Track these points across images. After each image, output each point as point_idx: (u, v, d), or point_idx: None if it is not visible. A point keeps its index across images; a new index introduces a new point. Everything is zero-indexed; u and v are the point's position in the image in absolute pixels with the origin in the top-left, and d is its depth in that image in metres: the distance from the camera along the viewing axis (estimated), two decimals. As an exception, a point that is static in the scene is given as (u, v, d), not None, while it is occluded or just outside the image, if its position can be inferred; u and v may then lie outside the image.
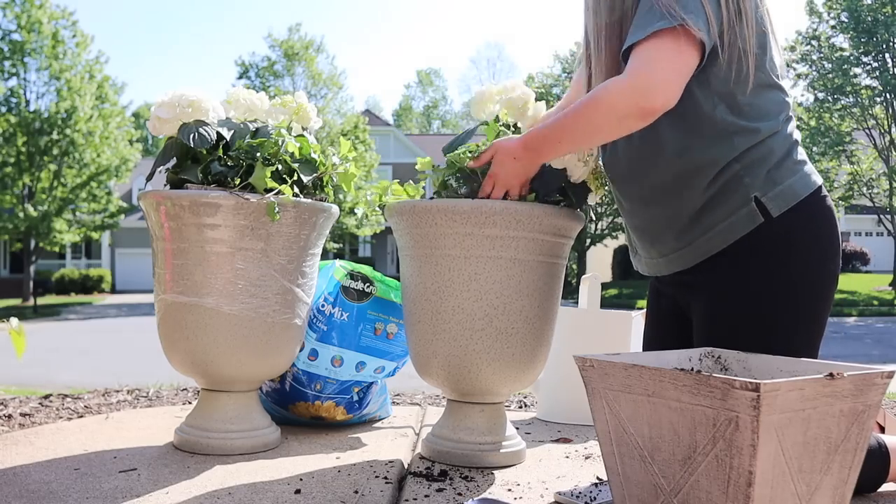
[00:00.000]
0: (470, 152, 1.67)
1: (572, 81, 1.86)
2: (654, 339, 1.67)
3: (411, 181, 1.84)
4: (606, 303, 16.68)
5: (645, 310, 2.21)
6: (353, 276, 2.09)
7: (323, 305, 2.03)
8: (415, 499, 1.48)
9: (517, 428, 2.01)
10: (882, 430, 1.69)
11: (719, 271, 1.46)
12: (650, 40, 1.33)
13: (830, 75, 19.67)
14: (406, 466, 1.74)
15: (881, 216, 21.63)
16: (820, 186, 1.47)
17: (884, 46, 19.47)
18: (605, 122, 1.38)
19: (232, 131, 1.76)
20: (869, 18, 19.19)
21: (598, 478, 1.66)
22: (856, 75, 20.02)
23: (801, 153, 1.50)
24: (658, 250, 1.56)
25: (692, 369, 1.16)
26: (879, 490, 1.56)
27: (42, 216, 20.51)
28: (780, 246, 1.43)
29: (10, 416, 2.29)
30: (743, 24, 1.39)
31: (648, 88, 1.32)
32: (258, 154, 1.73)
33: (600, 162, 1.71)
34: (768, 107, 1.45)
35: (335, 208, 1.85)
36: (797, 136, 1.50)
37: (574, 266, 23.39)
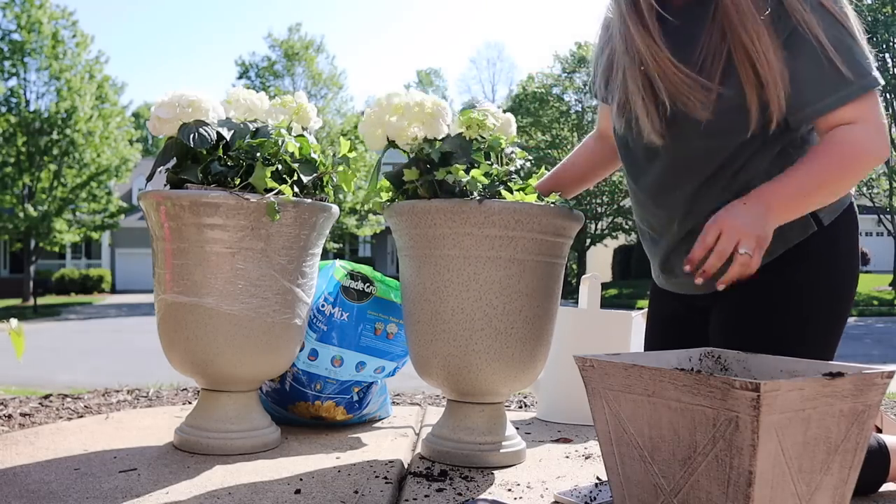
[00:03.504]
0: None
1: (599, 117, 1.82)
2: (656, 344, 1.68)
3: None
4: (606, 303, 16.68)
5: (645, 310, 2.21)
6: (353, 276, 2.09)
7: (323, 305, 2.03)
8: (415, 499, 1.48)
9: (517, 428, 2.01)
10: (879, 431, 1.69)
11: (763, 278, 1.43)
12: (870, 96, 1.35)
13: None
14: (406, 466, 1.74)
15: (881, 216, 21.63)
16: (851, 195, 1.52)
17: (884, 46, 19.47)
18: (861, 170, 1.36)
19: (232, 131, 1.76)
20: (869, 18, 19.20)
21: (598, 478, 1.66)
22: (856, 75, 20.01)
23: None
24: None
25: (692, 369, 1.16)
26: (879, 490, 1.56)
27: (42, 216, 20.52)
28: (828, 252, 1.46)
29: (10, 416, 2.29)
30: None
31: (885, 140, 1.36)
32: (258, 154, 1.73)
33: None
34: None
35: (335, 208, 1.85)
36: None
37: (574, 266, 23.40)
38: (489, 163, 1.68)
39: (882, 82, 1.37)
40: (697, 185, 1.49)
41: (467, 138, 1.70)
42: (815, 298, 1.45)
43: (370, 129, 1.74)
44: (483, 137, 1.71)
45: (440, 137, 1.70)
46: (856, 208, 1.53)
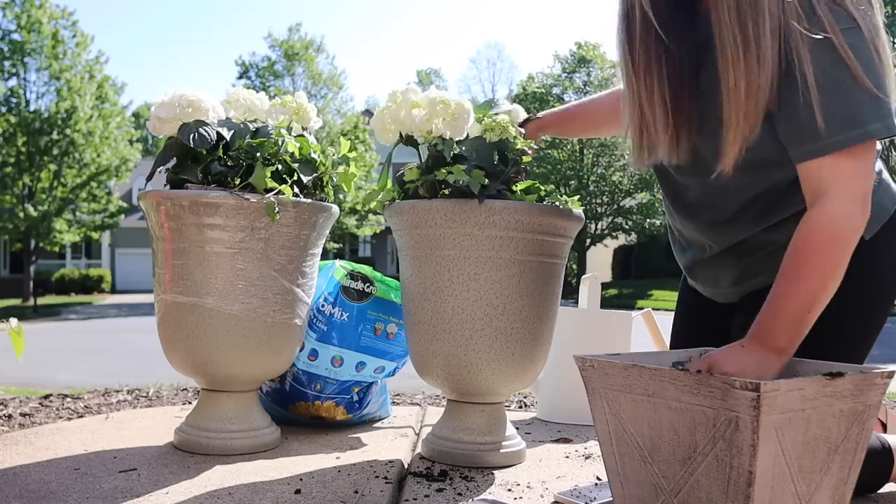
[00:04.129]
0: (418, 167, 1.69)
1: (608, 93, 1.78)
2: (680, 332, 1.67)
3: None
4: (606, 303, 16.68)
5: (646, 310, 2.21)
6: (353, 276, 2.09)
7: (323, 305, 2.03)
8: (415, 499, 1.48)
9: (517, 428, 2.01)
10: (884, 427, 1.69)
11: None
12: (849, 153, 1.17)
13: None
14: (406, 466, 1.74)
15: (881, 216, 21.60)
16: None
17: (884, 46, 19.44)
18: (840, 255, 1.19)
19: (232, 131, 1.76)
20: (869, 18, 19.17)
21: (598, 478, 1.66)
22: (856, 75, 19.99)
23: (884, 172, 1.45)
24: (732, 280, 1.51)
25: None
26: (880, 490, 1.56)
27: (42, 216, 20.52)
28: (866, 259, 1.36)
29: (10, 416, 2.29)
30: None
31: (862, 218, 1.20)
32: (258, 154, 1.73)
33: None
34: None
35: (335, 208, 1.85)
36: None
37: (574, 266, 23.39)
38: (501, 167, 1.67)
39: (889, 132, 1.17)
40: (729, 213, 1.43)
41: (488, 141, 1.67)
42: (848, 309, 1.36)
43: (383, 123, 1.73)
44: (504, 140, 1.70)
45: (459, 139, 1.69)
46: None
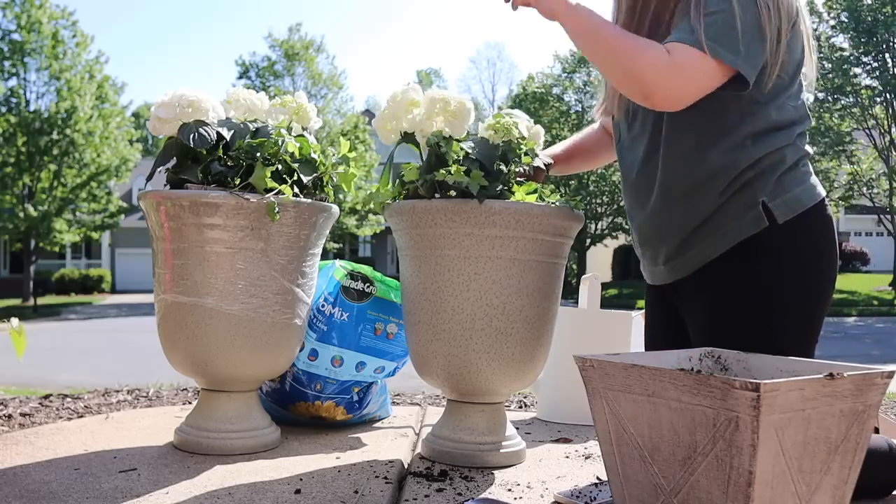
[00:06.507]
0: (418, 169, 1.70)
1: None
2: (648, 342, 1.68)
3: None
4: (606, 303, 16.68)
5: (644, 311, 2.21)
6: (353, 276, 2.09)
7: (323, 305, 2.03)
8: (415, 499, 1.48)
9: (517, 428, 2.01)
10: (877, 431, 1.69)
11: (719, 275, 1.48)
12: (700, 52, 1.34)
13: (830, 75, 19.67)
14: (406, 466, 1.74)
15: (881, 216, 21.63)
16: (823, 199, 1.50)
17: (884, 46, 19.46)
18: (618, 66, 1.37)
19: (232, 131, 1.76)
20: (869, 18, 19.19)
21: (598, 478, 1.66)
22: (856, 75, 20.02)
23: (809, 166, 1.52)
24: (664, 256, 1.56)
25: (692, 369, 1.16)
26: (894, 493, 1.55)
27: (42, 216, 20.52)
28: (783, 252, 1.44)
29: (10, 416, 2.29)
30: (781, 47, 1.40)
31: (667, 89, 1.35)
32: (258, 154, 1.73)
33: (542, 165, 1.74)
34: (790, 118, 1.48)
35: (335, 208, 1.85)
36: (808, 149, 1.53)
37: (574, 266, 23.39)
38: (505, 168, 1.67)
39: (741, 70, 1.34)
40: (654, 160, 1.53)
41: (491, 142, 1.68)
42: (768, 297, 1.44)
43: (384, 122, 1.74)
44: (508, 143, 1.70)
45: (460, 137, 1.69)
46: (828, 213, 1.50)
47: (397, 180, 1.75)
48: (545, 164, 1.78)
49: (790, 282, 1.44)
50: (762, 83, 1.41)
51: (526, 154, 1.70)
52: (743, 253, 1.46)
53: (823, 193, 1.51)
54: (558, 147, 1.91)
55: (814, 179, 1.51)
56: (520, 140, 1.69)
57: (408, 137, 1.73)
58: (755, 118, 1.45)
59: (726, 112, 1.45)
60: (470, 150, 1.66)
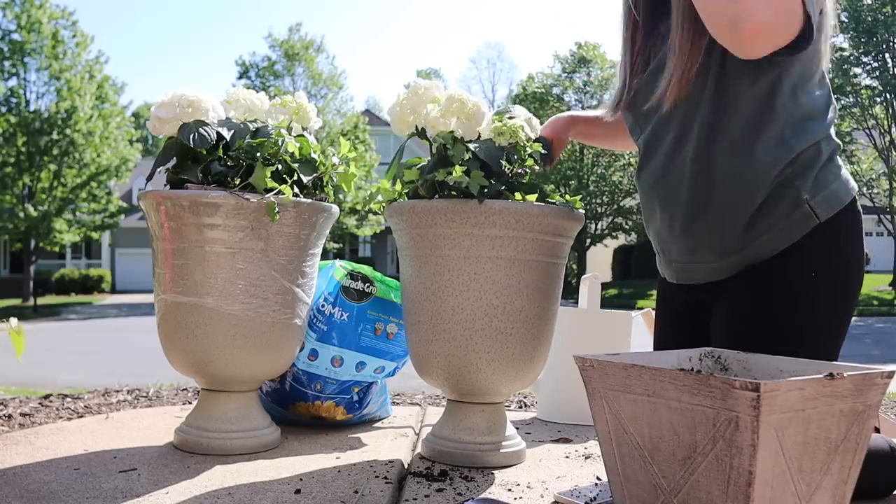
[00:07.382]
0: (418, 168, 1.69)
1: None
2: (664, 341, 1.67)
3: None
4: (606, 303, 16.69)
5: (646, 310, 2.20)
6: (353, 276, 2.09)
7: (323, 305, 2.03)
8: (415, 499, 1.48)
9: (517, 428, 2.01)
10: (877, 431, 1.68)
11: (762, 275, 1.45)
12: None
13: (830, 75, 19.66)
14: (406, 466, 1.74)
15: (881, 216, 21.64)
16: (856, 192, 1.49)
17: (884, 46, 19.47)
18: (718, 9, 1.27)
19: (232, 131, 1.76)
20: (869, 18, 19.20)
21: (598, 478, 1.66)
22: (856, 75, 20.03)
23: (838, 158, 1.50)
24: (704, 257, 1.52)
25: (692, 369, 1.16)
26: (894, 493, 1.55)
27: (42, 216, 20.53)
28: (827, 250, 1.43)
29: (10, 416, 2.29)
30: (825, 18, 1.37)
31: (764, 19, 1.24)
32: (258, 154, 1.73)
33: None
34: (822, 105, 1.46)
35: (335, 208, 1.85)
36: (838, 140, 1.50)
37: (574, 266, 23.40)
38: (508, 169, 1.66)
39: (811, 14, 1.29)
40: (692, 159, 1.50)
41: (497, 145, 1.67)
42: (816, 299, 1.43)
43: (401, 113, 1.73)
44: (514, 145, 1.69)
45: (470, 140, 1.68)
46: (859, 208, 1.50)
47: (397, 181, 1.75)
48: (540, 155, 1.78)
49: (835, 280, 1.44)
50: (808, 62, 1.39)
51: (531, 156, 1.70)
52: (785, 252, 1.44)
53: (856, 186, 1.48)
54: (582, 112, 1.90)
55: (846, 172, 1.48)
56: (527, 142, 1.69)
57: (422, 133, 1.73)
58: (795, 104, 1.41)
59: (772, 97, 1.41)
60: (476, 151, 1.66)
